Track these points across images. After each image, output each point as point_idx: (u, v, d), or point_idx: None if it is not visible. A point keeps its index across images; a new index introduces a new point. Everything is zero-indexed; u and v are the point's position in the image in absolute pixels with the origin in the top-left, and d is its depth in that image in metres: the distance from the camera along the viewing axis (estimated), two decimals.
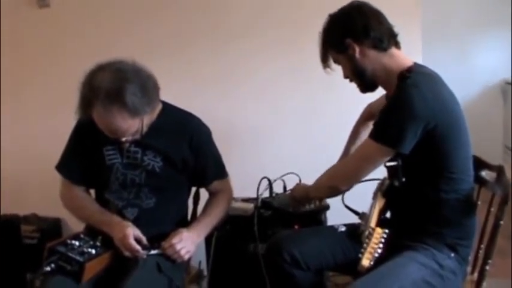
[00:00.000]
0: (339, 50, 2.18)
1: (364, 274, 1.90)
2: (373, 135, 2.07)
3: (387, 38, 2.14)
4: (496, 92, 5.98)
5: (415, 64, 2.14)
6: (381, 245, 1.88)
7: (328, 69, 2.29)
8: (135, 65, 2.18)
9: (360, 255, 1.87)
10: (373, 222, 2.07)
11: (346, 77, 2.27)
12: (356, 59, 2.15)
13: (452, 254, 2.09)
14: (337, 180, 2.24)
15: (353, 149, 2.67)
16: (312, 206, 2.74)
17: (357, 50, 2.13)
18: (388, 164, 2.16)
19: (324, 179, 2.33)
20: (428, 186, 2.12)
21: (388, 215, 2.28)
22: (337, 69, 2.29)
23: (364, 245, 1.88)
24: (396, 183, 2.17)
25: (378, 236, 1.90)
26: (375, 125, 2.10)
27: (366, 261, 1.85)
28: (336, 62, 2.26)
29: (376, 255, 1.86)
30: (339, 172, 2.29)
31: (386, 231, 1.91)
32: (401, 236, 2.12)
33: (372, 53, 2.14)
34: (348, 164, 2.24)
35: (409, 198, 2.19)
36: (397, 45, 2.19)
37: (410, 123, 1.96)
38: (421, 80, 2.03)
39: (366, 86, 2.24)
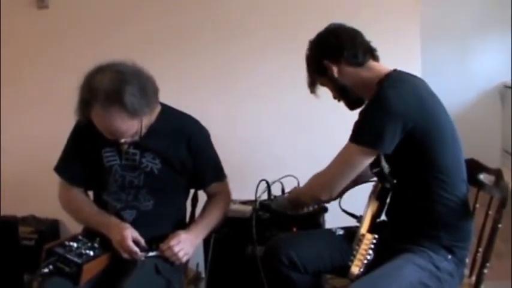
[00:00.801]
0: (320, 72, 2.27)
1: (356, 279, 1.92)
2: (352, 138, 2.09)
3: (362, 53, 2.21)
4: (494, 95, 5.98)
5: (395, 71, 2.18)
6: (371, 252, 1.89)
7: (314, 94, 2.36)
8: (134, 67, 2.18)
9: (350, 262, 1.88)
10: (364, 228, 2.09)
11: (334, 97, 2.34)
12: (335, 78, 2.23)
13: (449, 256, 2.10)
14: (319, 190, 2.25)
15: None
16: (311, 208, 2.74)
17: (335, 69, 2.22)
18: (374, 170, 2.19)
19: (307, 189, 2.35)
20: (421, 188, 2.13)
21: (384, 218, 2.29)
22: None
23: (354, 252, 1.89)
24: (388, 186, 2.19)
25: (368, 242, 1.91)
26: (353, 127, 2.11)
27: (355, 269, 1.86)
28: (322, 85, 2.33)
29: (366, 261, 1.87)
30: (321, 182, 2.26)
31: (376, 236, 1.91)
32: (397, 238, 2.13)
33: (349, 70, 2.21)
34: (330, 172, 2.20)
35: (402, 200, 2.20)
36: (374, 57, 2.25)
37: (388, 122, 1.99)
38: (397, 81, 2.08)
39: (352, 102, 2.30)
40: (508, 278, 3.29)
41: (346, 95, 2.26)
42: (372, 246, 1.91)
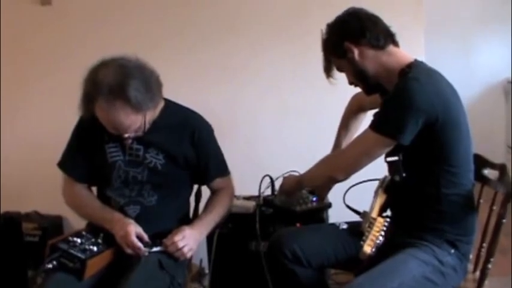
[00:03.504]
0: (339, 55, 2.21)
1: (365, 262, 1.93)
2: (373, 126, 2.08)
3: (384, 36, 2.17)
4: (498, 91, 5.97)
5: (416, 60, 2.16)
6: (382, 233, 1.89)
7: (331, 79, 2.33)
8: (138, 61, 2.18)
9: (362, 242, 1.88)
10: (374, 214, 2.09)
11: (350, 83, 2.30)
12: (356, 61, 2.17)
13: (453, 250, 2.10)
14: (336, 171, 2.24)
15: (344, 143, 2.71)
16: (314, 204, 2.74)
17: (356, 51, 2.16)
18: (389, 159, 2.17)
19: (322, 169, 2.35)
20: (429, 181, 2.12)
21: (389, 213, 2.29)
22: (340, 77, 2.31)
23: (366, 233, 1.89)
24: (397, 179, 2.17)
25: (380, 225, 1.92)
26: (375, 116, 2.11)
27: (367, 248, 1.86)
28: (339, 69, 2.29)
29: (378, 242, 1.88)
30: (337, 162, 2.29)
31: (388, 219, 1.92)
32: (402, 233, 2.13)
33: (371, 53, 2.16)
34: (347, 154, 2.24)
35: (409, 193, 2.19)
36: (395, 43, 2.21)
37: (411, 114, 1.97)
38: (421, 73, 2.05)
39: (370, 87, 2.25)
40: (511, 272, 3.28)
41: (364, 79, 2.22)
42: (384, 228, 1.90)
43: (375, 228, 1.92)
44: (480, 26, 5.93)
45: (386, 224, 1.93)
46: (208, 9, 3.62)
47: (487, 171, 2.25)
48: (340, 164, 2.25)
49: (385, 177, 2.33)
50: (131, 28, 3.68)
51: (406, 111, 1.98)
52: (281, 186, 2.61)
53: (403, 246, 2.08)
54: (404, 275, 1.98)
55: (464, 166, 2.13)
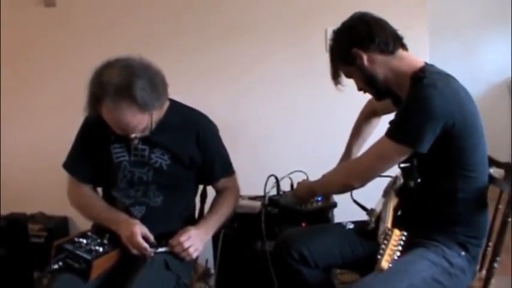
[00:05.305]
0: (348, 62, 2.17)
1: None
2: (391, 135, 2.04)
3: (392, 41, 2.13)
4: (503, 89, 5.95)
5: (426, 64, 2.13)
6: (400, 248, 1.85)
7: (339, 86, 2.28)
8: (142, 61, 2.19)
9: (379, 256, 1.83)
10: (389, 223, 2.04)
11: (359, 89, 2.26)
12: (365, 67, 2.13)
13: (463, 253, 2.09)
14: (352, 178, 2.20)
15: (356, 146, 2.70)
16: (319, 203, 2.74)
17: (365, 58, 2.12)
18: (403, 165, 2.14)
19: (338, 177, 2.34)
20: (446, 186, 2.10)
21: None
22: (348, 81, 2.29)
23: (383, 246, 1.85)
24: (412, 184, 2.15)
25: (397, 238, 1.86)
26: (392, 124, 2.06)
27: (385, 264, 1.80)
28: (347, 76, 2.25)
29: (396, 257, 1.84)
30: (354, 170, 2.25)
31: (405, 233, 1.87)
32: (412, 233, 2.11)
33: (380, 58, 2.12)
34: (363, 162, 2.19)
35: (423, 197, 2.17)
36: (403, 47, 2.17)
37: (430, 123, 1.94)
38: (437, 79, 2.00)
39: (380, 93, 2.22)
40: None
41: (374, 85, 2.18)
42: (401, 242, 1.86)
43: (392, 242, 1.85)
44: (484, 25, 5.90)
45: (403, 238, 1.88)
46: (213, 12, 3.62)
47: (492, 170, 2.24)
48: (356, 172, 2.22)
49: (396, 178, 2.31)
50: (135, 30, 3.68)
51: (426, 120, 1.95)
52: (295, 191, 2.61)
53: (413, 246, 2.05)
54: (414, 276, 1.97)
55: (481, 169, 2.11)
